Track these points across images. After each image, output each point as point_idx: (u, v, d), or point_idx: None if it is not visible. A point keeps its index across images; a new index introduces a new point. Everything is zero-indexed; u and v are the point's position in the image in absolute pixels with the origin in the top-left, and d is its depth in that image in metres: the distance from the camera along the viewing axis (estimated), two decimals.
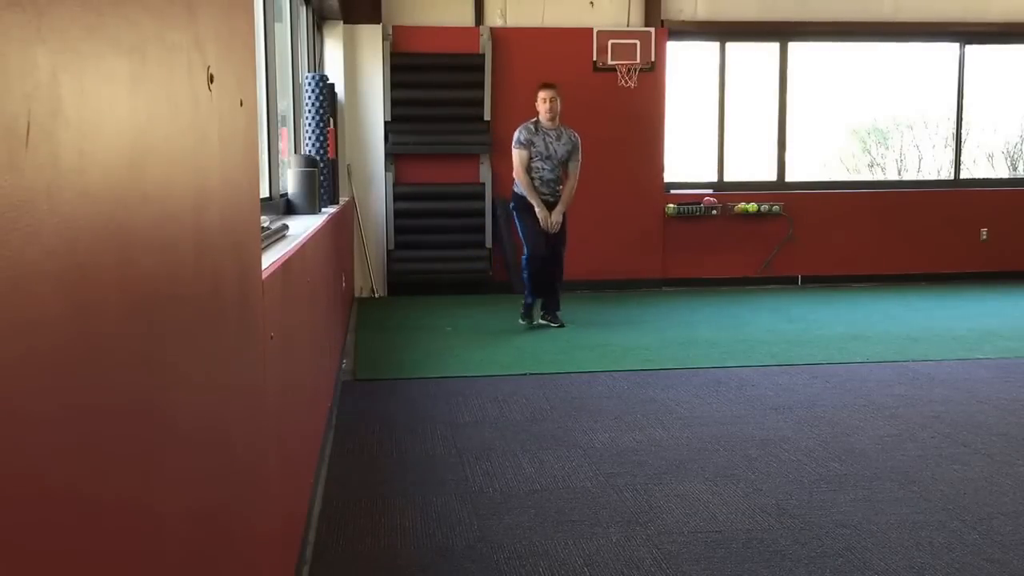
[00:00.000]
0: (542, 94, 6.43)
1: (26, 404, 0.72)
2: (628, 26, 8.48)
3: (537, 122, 6.47)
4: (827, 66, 9.26)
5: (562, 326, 6.49)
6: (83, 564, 0.85)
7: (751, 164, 9.17)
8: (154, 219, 1.10)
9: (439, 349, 5.82)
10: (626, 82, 8.42)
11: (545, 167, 6.43)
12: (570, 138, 6.50)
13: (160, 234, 1.13)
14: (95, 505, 0.89)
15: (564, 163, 6.47)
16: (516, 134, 6.46)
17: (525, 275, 6.53)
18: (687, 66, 8.87)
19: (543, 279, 6.51)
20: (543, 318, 6.60)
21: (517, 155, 6.43)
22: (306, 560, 2.70)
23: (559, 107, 6.41)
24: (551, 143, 6.41)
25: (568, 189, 6.51)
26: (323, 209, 5.24)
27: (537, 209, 6.40)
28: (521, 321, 6.62)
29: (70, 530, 0.82)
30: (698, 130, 8.96)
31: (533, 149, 6.40)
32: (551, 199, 6.46)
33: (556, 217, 6.44)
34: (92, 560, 0.88)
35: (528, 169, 6.43)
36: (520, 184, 6.48)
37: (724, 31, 8.70)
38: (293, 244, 3.00)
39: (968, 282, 8.79)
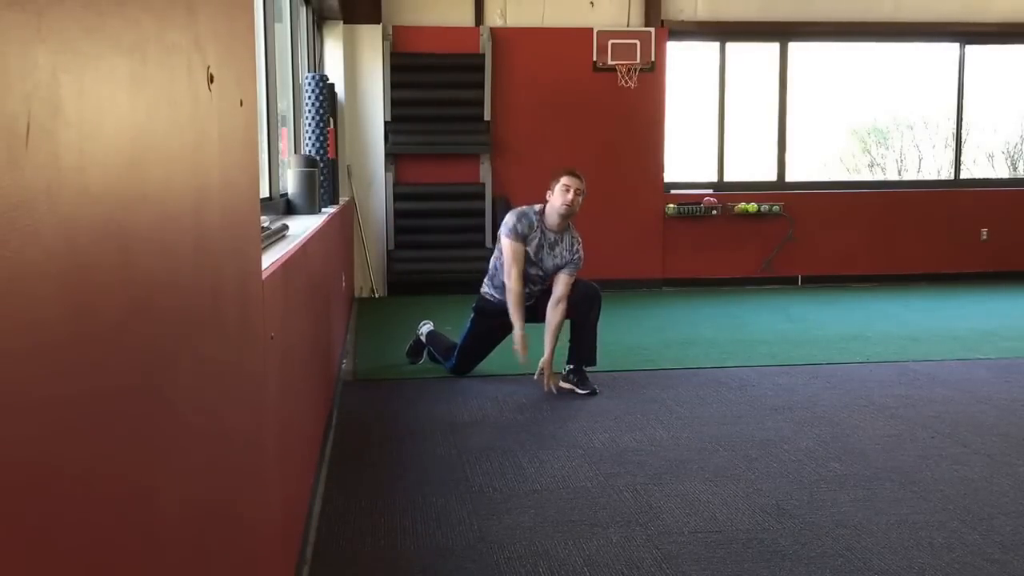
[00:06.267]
0: (565, 181, 4.63)
1: (25, 405, 0.72)
2: (628, 26, 8.48)
3: (542, 215, 4.70)
4: (827, 66, 9.26)
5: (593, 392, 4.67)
6: (83, 560, 0.85)
7: (751, 164, 9.17)
8: (154, 219, 1.10)
9: None
10: (626, 82, 8.42)
11: (527, 275, 4.71)
12: (571, 245, 4.71)
13: (160, 234, 1.13)
14: (95, 504, 0.89)
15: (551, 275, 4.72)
16: (510, 220, 4.67)
17: (448, 364, 5.06)
18: (687, 66, 8.87)
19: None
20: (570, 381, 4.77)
21: (510, 247, 4.63)
22: (306, 560, 2.70)
23: (579, 205, 4.69)
24: (544, 251, 4.68)
25: (556, 315, 4.66)
26: (323, 209, 5.24)
27: (516, 330, 4.67)
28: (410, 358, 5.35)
29: (71, 525, 0.82)
30: (698, 130, 8.96)
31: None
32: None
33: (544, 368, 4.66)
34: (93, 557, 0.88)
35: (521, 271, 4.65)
36: (507, 290, 4.68)
37: (724, 31, 8.70)
38: (293, 244, 3.00)
39: (968, 282, 8.79)
